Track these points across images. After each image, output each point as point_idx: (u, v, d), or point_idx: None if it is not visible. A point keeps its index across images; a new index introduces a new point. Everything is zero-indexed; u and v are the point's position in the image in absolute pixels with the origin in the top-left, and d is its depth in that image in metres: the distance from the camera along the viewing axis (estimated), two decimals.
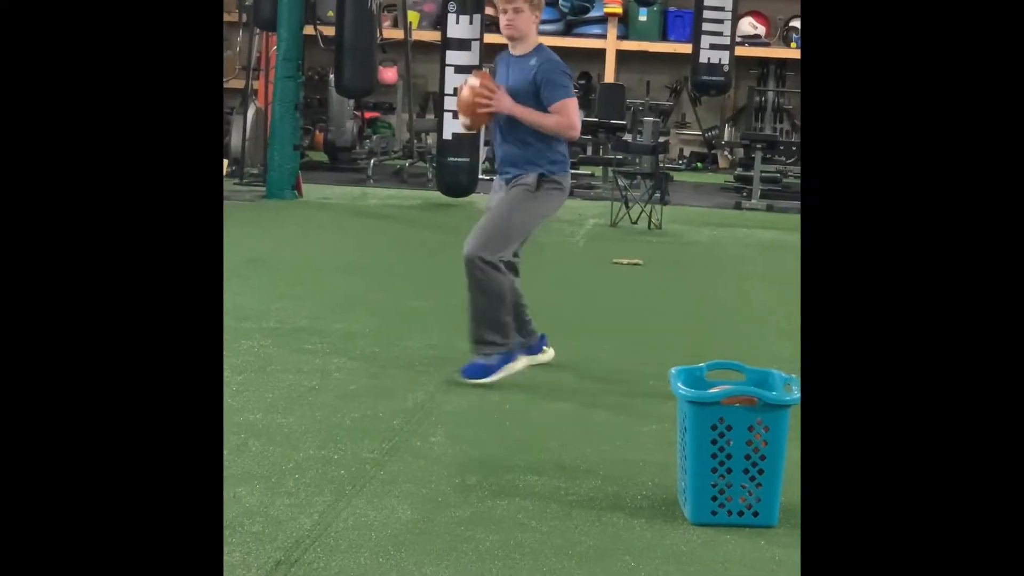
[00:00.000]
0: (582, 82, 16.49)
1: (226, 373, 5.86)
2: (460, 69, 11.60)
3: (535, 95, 6.16)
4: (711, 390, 4.57)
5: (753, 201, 13.10)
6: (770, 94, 16.06)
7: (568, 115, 6.18)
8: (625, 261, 9.69)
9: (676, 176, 14.91)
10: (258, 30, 13.20)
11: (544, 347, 6.54)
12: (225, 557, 3.84)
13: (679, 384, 4.57)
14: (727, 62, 13.88)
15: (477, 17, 11.58)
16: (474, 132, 5.88)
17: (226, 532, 4.10)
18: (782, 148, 13.90)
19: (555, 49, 6.49)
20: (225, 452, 4.71)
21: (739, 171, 14.09)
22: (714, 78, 13.95)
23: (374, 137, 14.70)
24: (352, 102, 14.31)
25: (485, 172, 13.59)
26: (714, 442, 4.45)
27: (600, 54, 16.75)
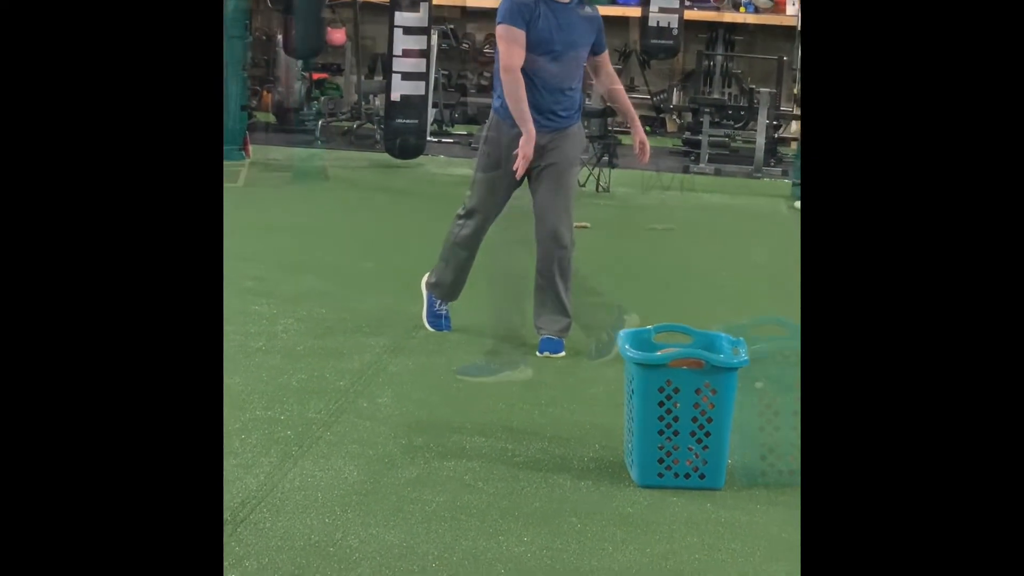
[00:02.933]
0: None
1: None
2: (409, 30, 11.55)
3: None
4: (658, 352, 4.58)
5: (701, 165, 13.14)
6: (719, 58, 16.05)
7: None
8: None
9: (624, 140, 14.87)
10: None
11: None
12: None
13: (627, 346, 4.58)
14: (676, 26, 13.90)
15: None
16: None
17: None
18: (730, 112, 13.93)
19: None
20: None
21: (687, 135, 14.09)
22: (663, 42, 13.97)
23: (322, 98, 14.61)
24: (300, 63, 14.21)
25: (433, 134, 13.54)
26: (661, 404, 4.47)
27: None
